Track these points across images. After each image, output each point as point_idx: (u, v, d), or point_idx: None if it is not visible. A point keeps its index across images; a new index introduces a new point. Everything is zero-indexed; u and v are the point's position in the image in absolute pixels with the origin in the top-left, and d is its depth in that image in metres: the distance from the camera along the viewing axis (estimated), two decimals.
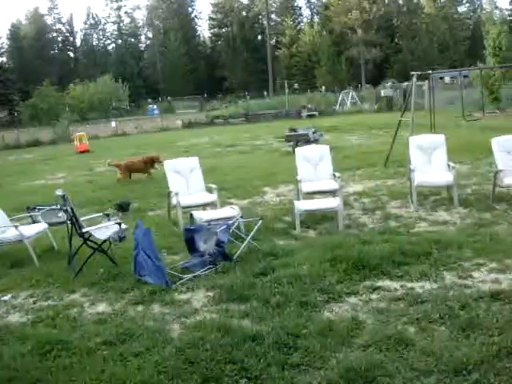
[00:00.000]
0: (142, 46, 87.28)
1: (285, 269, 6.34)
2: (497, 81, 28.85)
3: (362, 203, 9.63)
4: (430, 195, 9.65)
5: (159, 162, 13.64)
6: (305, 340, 4.66)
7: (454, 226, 7.83)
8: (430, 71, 13.74)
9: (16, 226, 7.76)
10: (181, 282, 6.34)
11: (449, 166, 9.21)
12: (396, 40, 75.51)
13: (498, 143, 8.95)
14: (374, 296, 5.56)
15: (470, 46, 69.43)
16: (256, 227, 7.47)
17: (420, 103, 20.94)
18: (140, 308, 5.75)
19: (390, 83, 40.37)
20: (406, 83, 34.22)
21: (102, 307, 5.90)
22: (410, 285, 5.73)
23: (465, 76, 40.19)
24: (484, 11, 74.07)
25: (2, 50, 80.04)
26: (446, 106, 27.42)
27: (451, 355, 4.22)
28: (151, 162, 14.24)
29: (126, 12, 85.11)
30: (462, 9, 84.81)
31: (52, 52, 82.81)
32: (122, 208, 10.35)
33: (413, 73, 12.44)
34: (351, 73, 69.80)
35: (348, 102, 38.47)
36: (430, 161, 9.38)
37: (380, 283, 5.84)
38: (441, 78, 50.34)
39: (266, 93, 62.11)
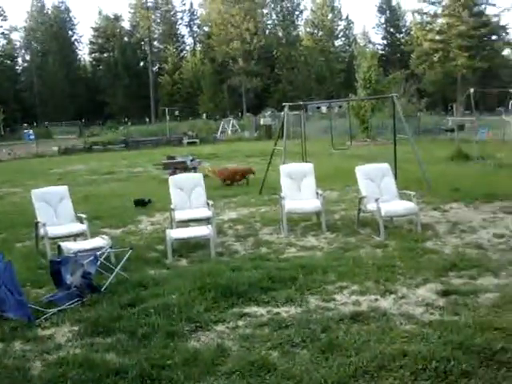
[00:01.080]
0: (19, 68, 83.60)
1: (154, 299, 6.25)
2: (367, 111, 30.59)
3: (236, 230, 9.75)
4: (300, 221, 9.97)
5: (253, 173, 15.43)
6: (170, 371, 4.61)
7: (321, 250, 8.14)
8: (301, 102, 14.29)
9: None
10: (45, 316, 6.05)
11: (317, 193, 9.59)
12: (276, 70, 77.87)
13: (361, 171, 9.47)
14: (240, 323, 5.62)
15: (346, 78, 73.06)
16: (126, 257, 7.32)
17: (299, 132, 21.65)
18: None
19: (269, 112, 41.52)
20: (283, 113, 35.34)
21: None
22: (275, 310, 5.85)
23: (340, 106, 42.26)
24: (357, 45, 78.60)
25: None
26: (322, 135, 28.60)
27: (310, 378, 4.34)
28: (246, 174, 15.57)
29: (2, 33, 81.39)
30: (338, 42, 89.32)
31: None
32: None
33: (285, 104, 12.89)
34: (233, 101, 71.06)
35: (229, 130, 39.06)
36: (299, 188, 9.74)
37: (247, 310, 5.92)
38: (318, 108, 52.56)
39: (147, 119, 61.57)
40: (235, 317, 5.76)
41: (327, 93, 72.78)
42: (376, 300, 6.02)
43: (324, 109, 48.93)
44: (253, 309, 5.94)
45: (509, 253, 7.64)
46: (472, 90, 23.13)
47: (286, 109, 12.74)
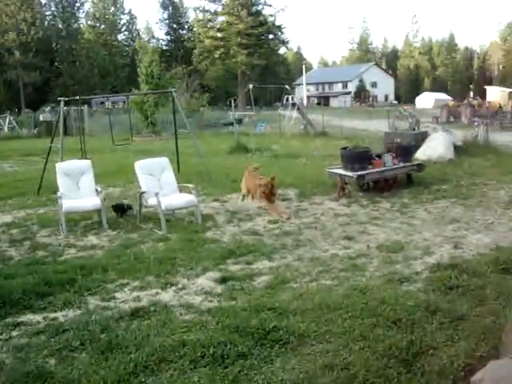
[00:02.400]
0: None
1: None
2: (150, 106, 30.57)
3: (11, 235, 9.08)
4: (81, 220, 9.63)
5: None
6: None
7: (102, 249, 7.93)
8: (80, 97, 13.79)
9: None
10: None
11: (97, 190, 9.34)
12: (56, 64, 74.37)
13: (141, 166, 9.44)
14: (14, 333, 5.23)
15: (129, 73, 72.36)
16: None
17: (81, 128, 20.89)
18: None
19: (49, 108, 39.43)
20: (65, 108, 33.88)
21: None
22: (52, 315, 5.56)
23: (124, 102, 41.68)
24: (141, 40, 78.25)
25: None
26: (107, 130, 27.95)
27: (89, 381, 4.20)
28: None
29: None
30: (121, 36, 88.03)
31: None
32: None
33: (60, 98, 12.34)
34: (10, 96, 66.26)
35: (5, 127, 36.30)
36: (77, 186, 9.40)
37: (22, 318, 5.53)
38: (102, 103, 51.30)
39: None
40: (8, 327, 5.34)
41: (111, 87, 71.46)
42: (157, 294, 6.03)
43: (108, 104, 47.96)
44: (28, 317, 5.57)
45: (281, 237, 8.20)
46: (251, 86, 24.39)
47: (61, 104, 12.21)
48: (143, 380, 4.21)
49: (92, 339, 4.93)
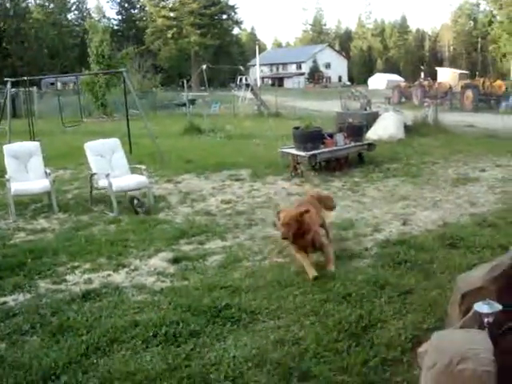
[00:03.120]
0: None
1: None
2: (101, 87, 30.00)
3: None
4: (30, 203, 9.45)
5: None
6: None
7: (52, 232, 7.80)
8: (25, 78, 13.44)
9: None
10: None
11: (46, 172, 9.17)
12: (4, 44, 72.07)
13: (91, 147, 9.29)
14: None
15: (80, 53, 70.73)
16: None
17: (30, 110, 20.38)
18: None
19: None
20: (13, 89, 32.93)
21: None
22: (2, 299, 5.46)
23: (74, 83, 40.71)
24: (92, 19, 76.46)
25: None
26: (57, 112, 27.33)
27: (40, 363, 4.16)
28: None
29: None
30: (71, 16, 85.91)
31: None
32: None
33: (7, 79, 12.02)
34: None
35: None
36: (26, 169, 9.20)
37: None
38: (52, 84, 50.02)
39: None
40: None
41: (61, 68, 69.79)
42: (109, 276, 6.00)
43: (59, 85, 46.79)
44: None
45: (234, 217, 8.24)
46: (205, 67, 24.20)
47: (8, 85, 11.93)
48: (95, 361, 4.19)
49: (43, 322, 4.88)
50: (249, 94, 32.32)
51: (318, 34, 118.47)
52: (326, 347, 4.19)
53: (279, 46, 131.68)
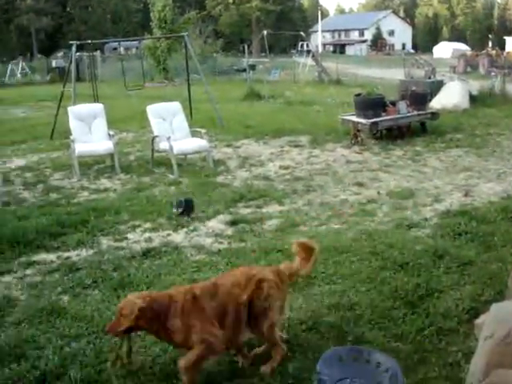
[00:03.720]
0: None
1: None
2: (163, 52, 30.20)
3: (25, 178, 9.20)
4: (94, 164, 9.72)
5: None
6: None
7: (114, 192, 8.03)
8: (90, 41, 13.67)
9: None
10: None
11: (109, 134, 9.38)
12: (68, 9, 73.31)
13: (153, 110, 9.43)
14: (29, 271, 5.38)
15: (142, 18, 71.24)
16: None
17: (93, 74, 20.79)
18: None
19: (61, 53, 39.14)
20: (78, 53, 33.61)
21: None
22: (66, 254, 5.69)
23: (137, 48, 41.16)
24: None
25: None
26: (120, 76, 27.76)
27: (101, 316, 4.32)
28: None
29: None
30: None
31: None
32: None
33: (72, 42, 12.26)
34: (22, 42, 65.68)
35: (18, 73, 36.17)
36: (90, 130, 9.43)
37: (36, 257, 5.67)
38: (115, 49, 50.71)
39: None
40: (23, 266, 5.49)
41: (124, 33, 70.42)
42: (168, 235, 6.14)
43: (121, 50, 47.46)
44: (42, 256, 5.71)
45: (292, 182, 8.24)
46: (265, 32, 23.99)
47: (73, 48, 12.15)
48: None
49: (104, 277, 5.06)
50: (310, 61, 31.86)
51: (382, 0, 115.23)
52: (381, 314, 4.18)
53: (342, 12, 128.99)
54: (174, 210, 6.80)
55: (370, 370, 3.13)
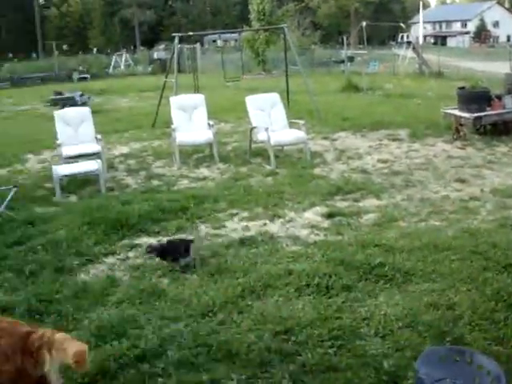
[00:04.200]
0: None
1: (41, 236, 6.10)
2: (262, 44, 30.41)
3: (128, 165, 9.61)
4: (193, 153, 9.96)
5: None
6: (58, 305, 4.55)
7: (213, 181, 8.22)
8: (191, 33, 13.99)
9: None
10: None
11: (209, 124, 9.57)
12: (170, 2, 75.39)
13: (251, 101, 9.53)
14: (131, 254, 5.63)
15: (241, 11, 72.05)
16: (10, 196, 7.04)
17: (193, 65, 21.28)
18: None
19: (163, 46, 40.33)
20: (179, 46, 34.49)
21: None
22: (166, 239, 5.88)
23: (235, 40, 41.66)
24: None
25: None
26: (218, 68, 28.23)
27: (199, 300, 4.44)
28: None
29: None
30: None
31: None
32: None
33: (175, 34, 12.59)
34: (125, 35, 68.28)
35: (122, 65, 37.66)
36: (191, 120, 9.67)
37: (138, 241, 5.93)
38: (214, 41, 51.61)
39: (35, 55, 58.03)
40: (126, 248, 5.76)
41: (223, 26, 71.50)
42: (264, 225, 6.21)
43: (220, 42, 48.23)
44: (143, 240, 5.95)
45: (390, 177, 8.07)
46: (364, 24, 23.57)
47: (176, 40, 12.48)
48: (249, 303, 4.39)
49: (202, 262, 5.19)
50: (410, 53, 30.99)
51: None
52: (482, 315, 4.03)
53: (443, 2, 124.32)
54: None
55: (470, 372, 3.03)
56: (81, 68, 33.96)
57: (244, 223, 6.28)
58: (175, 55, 12.35)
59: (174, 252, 5.23)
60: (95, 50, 47.10)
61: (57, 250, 5.69)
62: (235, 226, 6.21)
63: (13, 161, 10.59)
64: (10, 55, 48.30)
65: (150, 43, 56.83)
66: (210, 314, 4.25)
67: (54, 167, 7.96)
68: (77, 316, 4.37)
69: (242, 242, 5.68)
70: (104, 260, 5.51)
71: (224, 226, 6.21)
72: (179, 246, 5.29)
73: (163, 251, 5.28)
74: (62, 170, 7.97)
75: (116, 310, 4.41)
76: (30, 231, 6.32)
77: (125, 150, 10.86)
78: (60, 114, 9.32)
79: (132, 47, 56.53)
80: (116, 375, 3.57)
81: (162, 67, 33.75)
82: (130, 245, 5.82)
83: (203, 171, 8.85)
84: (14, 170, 9.90)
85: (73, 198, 7.83)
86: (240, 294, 4.52)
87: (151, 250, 5.34)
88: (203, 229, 6.16)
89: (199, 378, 3.49)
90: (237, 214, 6.60)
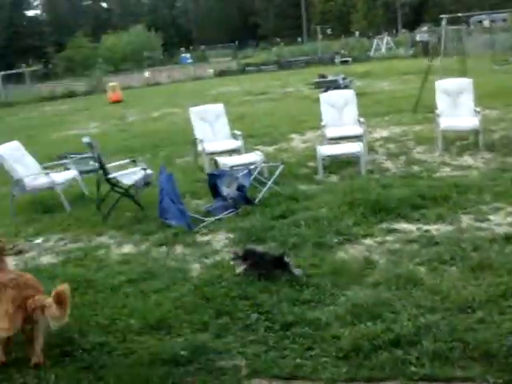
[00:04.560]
0: None
1: (304, 212, 6.48)
2: None
3: (387, 149, 9.61)
4: (456, 140, 9.57)
5: None
6: (317, 278, 4.80)
7: (477, 170, 7.81)
8: (460, 14, 13.34)
9: (47, 173, 8.05)
10: (203, 224, 6.53)
11: (475, 110, 9.08)
12: None
13: None
14: (389, 238, 5.66)
15: None
16: (278, 172, 7.59)
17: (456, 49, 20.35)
18: (163, 249, 5.98)
19: (425, 28, 39.11)
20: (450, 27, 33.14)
21: (127, 248, 6.16)
22: (425, 227, 5.79)
23: (504, 20, 38.63)
24: None
25: (37, 3, 79.83)
26: (483, 50, 26.54)
27: (458, 294, 4.30)
28: None
29: None
30: None
31: (85, 3, 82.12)
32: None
33: (442, 16, 12.16)
34: (387, 17, 67.70)
35: (383, 48, 37.54)
36: (456, 105, 9.27)
37: (396, 226, 5.93)
38: (479, 22, 48.53)
39: (299, 39, 60.86)
40: (383, 232, 5.81)
41: (490, 5, 66.74)
42: None
43: (486, 23, 44.98)
44: (402, 225, 5.94)
45: None
46: None
47: (443, 22, 12.07)
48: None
49: (463, 256, 5.00)
50: None
51: None
52: None
53: None
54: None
55: None
56: (343, 51, 34.73)
57: (510, 219, 5.84)
58: (443, 38, 11.91)
59: (263, 265, 4.98)
60: (357, 33, 47.68)
61: (318, 227, 5.99)
62: (500, 221, 5.82)
63: (279, 139, 11.35)
64: (278, 40, 51.36)
65: (411, 25, 55.61)
66: (469, 310, 4.08)
67: (318, 147, 8.34)
68: (334, 292, 4.56)
69: (508, 238, 5.31)
70: (362, 241, 5.64)
71: (488, 220, 5.86)
72: (269, 260, 5.01)
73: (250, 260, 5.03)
74: (326, 150, 8.31)
75: (372, 292, 4.50)
76: (293, 206, 6.75)
77: (385, 133, 10.88)
78: (325, 96, 9.69)
79: (394, 30, 55.94)
80: (369, 355, 3.65)
81: (424, 50, 32.87)
82: (388, 229, 5.86)
83: (466, 159, 8.45)
84: (279, 148, 10.61)
85: (333, 178, 8.13)
86: (502, 293, 4.25)
87: (236, 257, 5.15)
88: (465, 220, 5.91)
89: (452, 374, 3.41)
90: (502, 208, 6.15)
